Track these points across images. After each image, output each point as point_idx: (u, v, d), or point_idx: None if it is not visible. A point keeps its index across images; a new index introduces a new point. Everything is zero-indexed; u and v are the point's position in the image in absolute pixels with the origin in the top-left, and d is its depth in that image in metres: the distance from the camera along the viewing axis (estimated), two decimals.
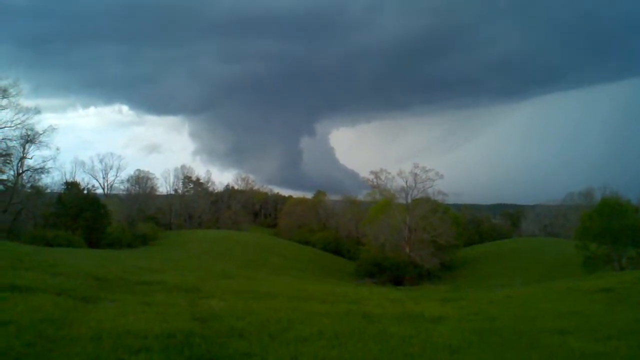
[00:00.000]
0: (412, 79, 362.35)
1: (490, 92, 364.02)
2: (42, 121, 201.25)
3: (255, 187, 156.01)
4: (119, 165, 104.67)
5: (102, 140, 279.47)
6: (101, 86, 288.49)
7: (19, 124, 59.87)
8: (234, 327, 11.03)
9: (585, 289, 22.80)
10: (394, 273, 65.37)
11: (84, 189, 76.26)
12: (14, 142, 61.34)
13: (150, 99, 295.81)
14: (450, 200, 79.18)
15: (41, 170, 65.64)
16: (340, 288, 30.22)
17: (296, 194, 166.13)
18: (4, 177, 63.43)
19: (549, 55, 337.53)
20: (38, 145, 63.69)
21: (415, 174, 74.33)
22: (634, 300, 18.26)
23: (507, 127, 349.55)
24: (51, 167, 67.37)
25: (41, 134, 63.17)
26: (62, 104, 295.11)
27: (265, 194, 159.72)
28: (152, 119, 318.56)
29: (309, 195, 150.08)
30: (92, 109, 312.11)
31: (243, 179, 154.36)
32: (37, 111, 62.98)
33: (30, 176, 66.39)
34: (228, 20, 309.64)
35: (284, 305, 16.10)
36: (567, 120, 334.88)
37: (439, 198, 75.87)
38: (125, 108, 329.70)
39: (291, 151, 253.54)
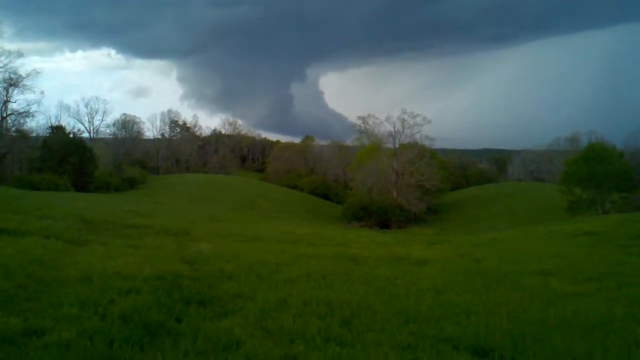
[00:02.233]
0: (403, 24, 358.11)
1: (482, 39, 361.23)
2: (27, 64, 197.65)
3: (243, 132, 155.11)
4: (105, 109, 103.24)
5: (89, 84, 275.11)
6: (89, 29, 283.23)
7: (2, 67, 58.84)
8: (223, 269, 11.16)
9: (568, 233, 23.18)
10: (381, 217, 65.86)
11: (69, 133, 75.44)
12: None
13: (139, 42, 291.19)
14: (438, 145, 79.20)
15: (26, 114, 64.99)
16: (328, 231, 30.51)
17: (284, 138, 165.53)
18: None
19: (541, 1, 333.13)
20: (22, 88, 62.89)
21: (403, 119, 74.11)
22: (615, 243, 18.61)
23: (497, 73, 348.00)
24: (36, 111, 66.97)
25: (25, 78, 62.27)
26: (49, 47, 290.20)
27: (253, 138, 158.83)
28: (140, 62, 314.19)
29: (297, 140, 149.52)
30: (79, 53, 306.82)
31: (230, 124, 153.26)
32: (20, 54, 61.98)
33: (15, 120, 65.65)
34: None
35: (272, 248, 16.28)
36: (557, 66, 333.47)
37: (427, 143, 75.81)
38: (113, 52, 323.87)
39: (281, 96, 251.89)
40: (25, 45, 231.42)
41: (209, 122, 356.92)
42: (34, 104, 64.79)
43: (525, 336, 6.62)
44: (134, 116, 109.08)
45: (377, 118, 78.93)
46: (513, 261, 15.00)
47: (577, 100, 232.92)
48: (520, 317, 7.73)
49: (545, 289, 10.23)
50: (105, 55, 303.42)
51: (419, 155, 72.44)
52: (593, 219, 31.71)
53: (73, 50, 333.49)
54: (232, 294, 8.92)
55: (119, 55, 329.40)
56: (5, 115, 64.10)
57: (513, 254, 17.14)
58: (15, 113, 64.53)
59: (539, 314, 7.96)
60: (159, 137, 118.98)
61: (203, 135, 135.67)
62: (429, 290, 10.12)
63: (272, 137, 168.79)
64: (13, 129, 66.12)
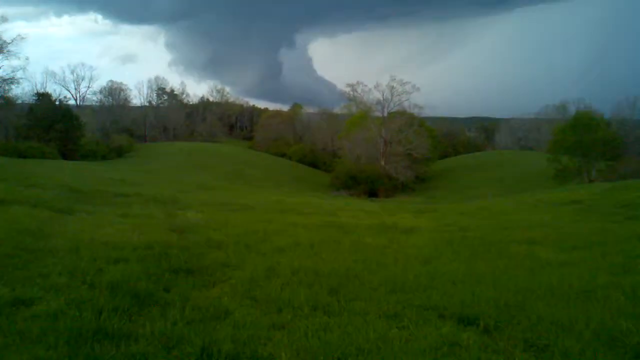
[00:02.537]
0: None
1: (472, 4, 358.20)
2: (11, 30, 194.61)
3: (231, 100, 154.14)
4: (92, 76, 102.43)
5: (75, 50, 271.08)
6: None
7: None
8: (211, 238, 11.18)
9: (554, 201, 23.39)
10: (369, 185, 66.06)
11: (56, 100, 74.67)
12: None
13: (126, 7, 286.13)
14: (426, 113, 79.11)
15: (10, 80, 64.04)
16: (316, 200, 30.61)
17: (273, 106, 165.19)
18: None
19: None
20: (6, 54, 61.85)
21: (392, 87, 74.00)
22: (601, 212, 18.81)
23: (486, 40, 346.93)
24: (21, 78, 66.04)
25: (9, 43, 61.23)
26: (34, 12, 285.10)
27: (241, 106, 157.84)
28: (127, 28, 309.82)
29: (285, 107, 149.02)
30: (65, 18, 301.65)
31: (218, 91, 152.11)
32: (4, 19, 60.75)
33: (0, 87, 64.75)
34: None
35: (260, 217, 16.33)
36: (547, 33, 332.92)
37: (415, 111, 75.74)
38: (99, 17, 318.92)
39: (270, 62, 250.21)
40: (10, 10, 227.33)
41: (196, 89, 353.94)
42: (19, 70, 63.89)
43: (510, 304, 6.72)
44: (121, 83, 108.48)
45: (366, 86, 78.71)
46: (499, 230, 15.14)
47: (567, 68, 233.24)
48: (505, 286, 7.83)
49: (531, 258, 10.35)
50: (92, 20, 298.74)
51: (407, 123, 72.46)
52: (579, 188, 32.01)
53: (59, 15, 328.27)
54: (221, 263, 8.96)
55: (106, 21, 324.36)
56: None
57: (500, 223, 17.29)
58: (0, 79, 63.64)
59: (524, 283, 8.06)
60: (147, 104, 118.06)
61: (191, 103, 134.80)
62: (416, 259, 10.21)
63: (261, 104, 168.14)
64: None
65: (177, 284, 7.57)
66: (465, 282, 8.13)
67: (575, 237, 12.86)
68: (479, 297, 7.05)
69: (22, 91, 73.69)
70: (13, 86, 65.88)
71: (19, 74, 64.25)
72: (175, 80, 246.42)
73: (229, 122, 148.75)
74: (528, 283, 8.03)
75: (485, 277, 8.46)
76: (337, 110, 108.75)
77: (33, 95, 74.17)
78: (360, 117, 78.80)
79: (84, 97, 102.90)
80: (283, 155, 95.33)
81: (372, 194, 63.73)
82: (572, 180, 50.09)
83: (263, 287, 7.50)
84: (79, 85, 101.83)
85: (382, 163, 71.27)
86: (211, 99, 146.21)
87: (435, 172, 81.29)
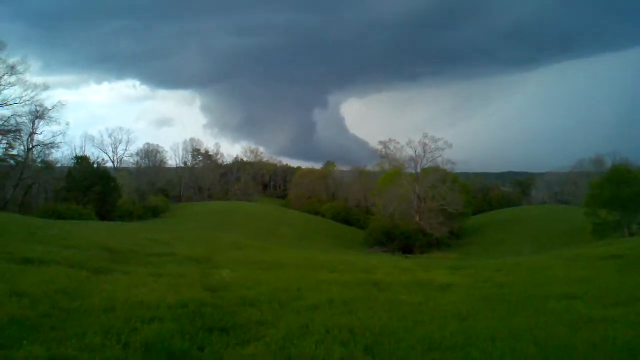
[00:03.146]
0: (423, 49, 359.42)
1: (501, 62, 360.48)
2: (53, 97, 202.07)
3: (265, 159, 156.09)
4: (129, 139, 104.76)
5: (114, 115, 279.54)
6: (114, 61, 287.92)
7: (28, 100, 60.11)
8: (245, 296, 11.16)
9: (594, 256, 22.82)
10: (403, 242, 65.53)
11: (94, 163, 76.57)
12: (24, 118, 61.65)
13: (162, 73, 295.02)
14: (459, 169, 78.94)
15: (51, 145, 66.10)
16: (350, 257, 30.38)
17: (306, 164, 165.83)
18: (15, 152, 63.92)
19: (561, 23, 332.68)
20: (48, 120, 64.06)
21: (425, 144, 74.12)
22: None
23: (517, 97, 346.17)
24: (61, 142, 67.93)
25: (50, 110, 63.50)
26: (75, 81, 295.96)
27: (275, 165, 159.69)
28: (163, 93, 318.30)
29: (318, 166, 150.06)
30: (105, 85, 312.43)
31: (252, 151, 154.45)
32: (46, 87, 63.35)
33: (41, 151, 66.83)
34: None
35: (293, 274, 16.24)
36: (577, 88, 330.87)
37: (448, 167, 75.61)
38: (137, 83, 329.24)
39: (303, 122, 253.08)
40: (52, 79, 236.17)
41: (231, 150, 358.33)
42: (59, 135, 65.89)
43: None
44: (157, 145, 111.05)
45: (399, 143, 79.01)
46: (538, 285, 14.79)
47: (600, 122, 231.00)
48: (546, 343, 7.62)
49: (572, 314, 10.07)
50: (130, 87, 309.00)
51: (441, 179, 72.26)
52: (619, 242, 31.25)
53: (99, 82, 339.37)
54: (255, 321, 8.92)
55: (144, 86, 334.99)
56: (31, 147, 65.30)
57: (538, 279, 16.90)
58: (41, 144, 65.74)
59: (565, 340, 7.84)
60: (182, 165, 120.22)
61: (225, 164, 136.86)
62: (453, 316, 10.02)
63: (294, 163, 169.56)
64: (39, 160, 67.29)
65: (211, 342, 7.55)
66: (504, 339, 7.93)
67: (617, 293, 12.48)
68: (520, 355, 6.87)
69: (61, 155, 76.07)
70: (53, 150, 68.04)
71: (59, 139, 66.30)
72: (210, 142, 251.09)
73: (263, 182, 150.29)
74: (569, 340, 7.81)
75: (524, 334, 8.25)
76: (369, 167, 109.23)
77: (72, 159, 76.24)
78: (393, 173, 78.86)
79: (121, 160, 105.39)
80: (317, 213, 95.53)
81: (407, 250, 63.08)
82: (612, 235, 48.93)
83: (297, 345, 7.43)
84: (116, 148, 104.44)
85: (417, 219, 70.83)
86: (245, 159, 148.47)
87: (470, 228, 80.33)
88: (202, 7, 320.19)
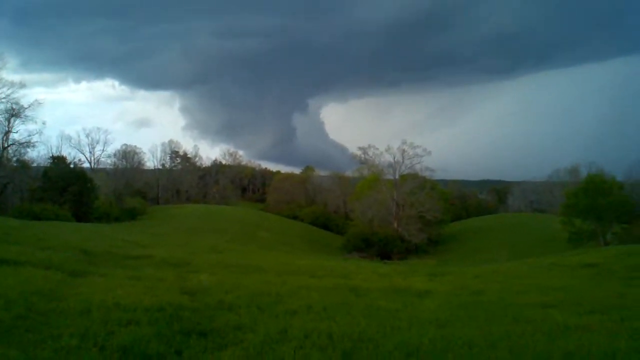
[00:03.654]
0: (404, 57, 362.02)
1: (481, 70, 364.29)
2: (31, 95, 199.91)
3: (243, 162, 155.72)
4: (106, 139, 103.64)
5: (92, 114, 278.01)
6: (93, 61, 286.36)
7: (4, 98, 59.42)
8: (223, 300, 11.11)
9: (569, 264, 23.12)
10: (381, 248, 65.80)
11: (70, 163, 75.72)
12: None
13: (143, 73, 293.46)
14: (438, 176, 79.63)
15: (27, 144, 65.33)
16: (329, 262, 30.43)
17: (285, 169, 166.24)
18: None
19: (541, 33, 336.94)
20: (23, 119, 63.32)
21: (403, 150, 74.59)
22: (617, 275, 18.55)
23: (496, 105, 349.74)
24: (37, 141, 67.16)
25: (26, 108, 62.78)
26: (53, 79, 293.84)
27: (253, 169, 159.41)
28: (143, 93, 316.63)
29: (297, 170, 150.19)
30: (83, 84, 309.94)
31: (231, 154, 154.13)
32: (22, 85, 62.55)
33: (16, 150, 65.97)
34: None
35: (272, 279, 16.21)
36: (556, 98, 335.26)
37: (427, 174, 76.19)
38: (116, 83, 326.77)
39: (283, 127, 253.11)
40: (30, 77, 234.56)
41: (209, 152, 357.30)
42: (35, 134, 65.23)
43: None
44: (135, 146, 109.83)
45: (377, 149, 79.37)
46: (514, 293, 14.92)
47: (577, 132, 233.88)
48: (523, 351, 7.67)
49: (548, 322, 10.16)
50: (109, 86, 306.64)
51: (419, 186, 72.74)
52: (594, 251, 31.65)
53: (77, 81, 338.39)
54: (233, 325, 8.87)
55: (123, 86, 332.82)
56: (6, 145, 64.44)
57: (514, 286, 17.05)
58: (16, 143, 64.92)
59: (542, 347, 7.90)
60: (160, 167, 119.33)
61: (203, 166, 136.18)
62: (431, 322, 10.05)
63: (273, 167, 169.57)
64: (14, 159, 66.45)
65: (189, 346, 7.50)
66: (481, 346, 7.97)
67: (592, 301, 12.64)
68: None
69: (37, 154, 75.02)
70: (29, 149, 67.19)
71: (34, 138, 65.60)
72: (188, 144, 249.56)
73: (241, 185, 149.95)
74: (545, 348, 7.86)
75: (501, 341, 8.30)
76: (348, 173, 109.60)
77: (48, 159, 75.29)
78: (372, 179, 79.23)
79: (98, 161, 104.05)
80: (295, 217, 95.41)
81: (385, 256, 63.32)
82: (587, 244, 49.56)
83: (275, 350, 7.40)
84: (93, 148, 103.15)
85: (395, 225, 71.13)
86: (224, 162, 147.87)
87: (447, 235, 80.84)
88: (185, 8, 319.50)
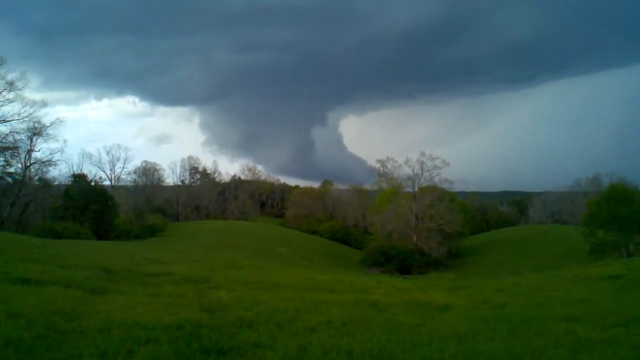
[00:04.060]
0: (421, 68, 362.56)
1: (499, 80, 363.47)
2: (53, 114, 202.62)
3: (262, 177, 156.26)
4: (126, 156, 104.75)
5: (113, 131, 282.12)
6: (114, 77, 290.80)
7: (26, 116, 60.15)
8: (242, 317, 11.08)
9: (592, 276, 22.76)
10: (401, 262, 65.45)
11: (91, 181, 76.52)
12: (21, 135, 61.67)
13: (162, 90, 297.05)
14: (457, 188, 79.13)
15: (49, 162, 66.04)
16: (348, 277, 30.28)
17: (304, 183, 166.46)
18: (12, 169, 63.76)
19: (560, 41, 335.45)
20: (45, 137, 64.03)
21: (422, 162, 74.26)
22: None
23: (515, 115, 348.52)
24: (59, 160, 67.77)
25: (48, 127, 63.52)
26: (75, 96, 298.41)
27: (272, 184, 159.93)
28: (162, 109, 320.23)
29: (315, 184, 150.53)
30: (105, 101, 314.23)
31: (250, 169, 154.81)
32: (44, 104, 63.38)
33: (38, 169, 66.79)
34: (240, 9, 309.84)
35: (291, 295, 16.16)
36: (576, 106, 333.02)
37: (446, 186, 75.77)
38: (137, 99, 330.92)
39: (302, 140, 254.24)
40: (52, 95, 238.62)
41: (228, 168, 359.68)
42: (56, 152, 65.87)
43: None
44: (155, 163, 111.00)
45: (396, 161, 79.18)
46: (537, 306, 14.73)
47: (598, 141, 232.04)
48: None
49: (571, 336, 10.01)
50: (130, 103, 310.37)
51: (438, 198, 72.34)
52: (617, 262, 31.19)
53: (99, 98, 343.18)
54: (252, 342, 8.84)
55: (143, 103, 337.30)
56: (28, 164, 65.23)
57: (536, 299, 16.84)
58: (38, 162, 65.65)
59: None
60: (179, 184, 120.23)
61: (222, 182, 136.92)
62: (452, 337, 9.95)
63: (292, 182, 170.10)
64: (36, 177, 67.21)
65: None
66: None
67: (616, 314, 12.42)
68: None
69: (59, 173, 75.88)
70: (50, 168, 67.93)
71: (56, 156, 66.25)
72: (208, 160, 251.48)
73: (260, 200, 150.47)
74: None
75: (524, 356, 8.20)
76: (367, 186, 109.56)
77: (69, 177, 76.16)
78: (390, 192, 78.96)
79: (118, 178, 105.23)
80: (314, 232, 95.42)
81: (405, 270, 63.00)
82: (610, 255, 48.89)
83: None
84: (114, 166, 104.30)
85: (414, 239, 70.75)
86: (243, 178, 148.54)
87: (468, 248, 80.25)
88: (203, 23, 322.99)
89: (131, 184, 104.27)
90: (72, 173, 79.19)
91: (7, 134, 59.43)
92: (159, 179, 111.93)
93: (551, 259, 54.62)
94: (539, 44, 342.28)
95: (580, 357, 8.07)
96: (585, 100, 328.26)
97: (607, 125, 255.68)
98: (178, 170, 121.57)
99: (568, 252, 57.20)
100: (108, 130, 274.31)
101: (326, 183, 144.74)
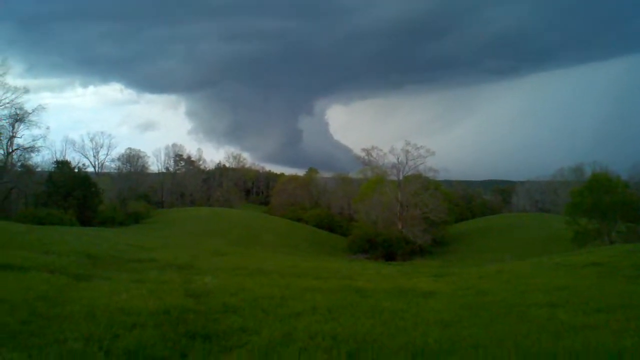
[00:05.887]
0: (407, 58, 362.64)
1: (484, 71, 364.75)
2: (37, 100, 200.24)
3: (247, 165, 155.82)
4: (110, 143, 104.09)
5: (98, 119, 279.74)
6: (99, 65, 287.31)
7: (8, 103, 59.56)
8: (228, 303, 11.09)
9: (575, 264, 23.00)
10: (386, 249, 65.71)
11: (74, 168, 75.92)
12: (3, 121, 61.22)
13: (149, 77, 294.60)
14: (442, 176, 79.77)
15: (31, 149, 65.57)
16: (333, 264, 30.40)
17: (289, 171, 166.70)
18: None
19: (544, 33, 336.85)
20: (28, 124, 63.57)
21: (407, 151, 74.51)
22: (623, 274, 18.44)
23: (500, 105, 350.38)
24: (41, 146, 67.53)
25: (31, 113, 62.98)
26: (60, 84, 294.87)
27: (257, 171, 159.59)
28: (148, 97, 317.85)
29: (301, 172, 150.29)
30: (90, 88, 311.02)
31: (235, 157, 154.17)
32: (26, 90, 62.73)
33: (21, 155, 66.18)
34: None
35: (276, 281, 16.19)
36: (560, 97, 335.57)
37: (430, 175, 76.30)
38: (122, 87, 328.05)
39: (289, 129, 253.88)
40: (36, 82, 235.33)
41: (213, 155, 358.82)
42: (39, 139, 65.56)
43: None
44: (139, 150, 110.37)
45: (381, 150, 79.31)
46: (519, 293, 14.86)
47: (581, 131, 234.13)
48: (528, 350, 7.65)
49: (553, 321, 10.12)
50: (116, 90, 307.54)
51: (423, 187, 72.70)
52: (599, 250, 31.51)
53: (84, 85, 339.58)
54: (237, 328, 8.86)
55: (129, 90, 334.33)
56: (11, 150, 64.68)
57: (519, 286, 16.99)
58: (20, 148, 65.12)
59: (547, 347, 7.88)
60: (164, 171, 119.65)
61: (207, 169, 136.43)
62: (436, 323, 10.02)
63: (277, 169, 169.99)
64: (18, 164, 66.67)
65: (193, 349, 7.49)
66: (487, 346, 7.95)
67: (598, 300, 12.57)
68: None
69: (42, 159, 75.34)
70: (33, 154, 67.39)
71: (39, 143, 65.88)
72: (192, 147, 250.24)
73: (245, 188, 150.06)
74: (552, 347, 7.84)
75: (507, 341, 8.28)
76: (352, 174, 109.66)
77: (52, 163, 75.52)
78: (375, 181, 79.15)
79: (102, 165, 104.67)
80: (299, 219, 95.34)
81: (390, 257, 63.32)
82: (592, 243, 49.48)
83: (280, 352, 7.39)
84: (97, 153, 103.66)
85: (399, 226, 71.04)
86: (227, 165, 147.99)
87: (452, 236, 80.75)
88: (190, 12, 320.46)
89: (115, 171, 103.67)
90: (55, 160, 78.60)
91: None
92: (143, 166, 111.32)
93: (534, 247, 55.15)
94: (524, 36, 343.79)
95: (562, 343, 8.17)
96: (569, 92, 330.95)
97: (591, 116, 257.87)
98: (162, 157, 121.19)
99: (551, 240, 57.76)
100: (93, 118, 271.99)
101: (311, 171, 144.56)
